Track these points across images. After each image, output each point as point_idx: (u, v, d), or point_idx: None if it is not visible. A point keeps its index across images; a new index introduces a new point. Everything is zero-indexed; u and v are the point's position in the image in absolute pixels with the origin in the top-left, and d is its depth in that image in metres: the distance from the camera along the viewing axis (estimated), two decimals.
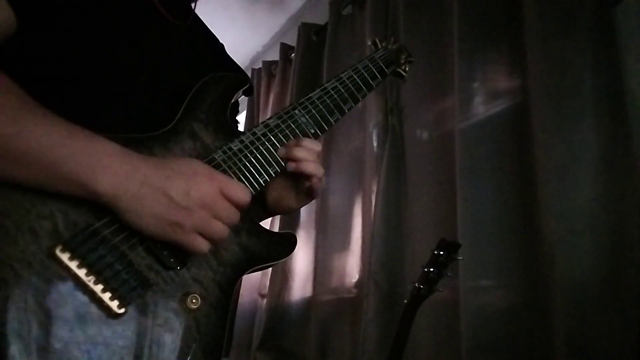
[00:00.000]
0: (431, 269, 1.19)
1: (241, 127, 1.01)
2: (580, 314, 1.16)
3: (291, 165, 0.77)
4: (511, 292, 1.37)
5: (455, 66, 1.58)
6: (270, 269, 2.33)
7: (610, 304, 1.14)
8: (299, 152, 0.77)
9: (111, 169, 0.58)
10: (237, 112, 0.95)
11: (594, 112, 1.25)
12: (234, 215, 0.65)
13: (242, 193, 0.66)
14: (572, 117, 1.27)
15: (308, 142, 0.79)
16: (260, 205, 0.87)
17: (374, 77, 0.93)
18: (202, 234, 0.62)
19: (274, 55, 2.88)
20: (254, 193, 0.73)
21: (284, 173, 0.78)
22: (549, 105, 1.31)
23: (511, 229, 1.40)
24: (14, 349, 0.52)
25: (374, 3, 2.08)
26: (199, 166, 0.65)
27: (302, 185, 0.82)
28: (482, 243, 1.41)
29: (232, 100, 0.80)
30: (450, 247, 1.20)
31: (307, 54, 2.52)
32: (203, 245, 0.62)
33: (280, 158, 0.77)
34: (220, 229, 0.63)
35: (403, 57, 1.02)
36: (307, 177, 0.79)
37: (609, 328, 1.13)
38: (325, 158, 2.17)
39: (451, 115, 1.64)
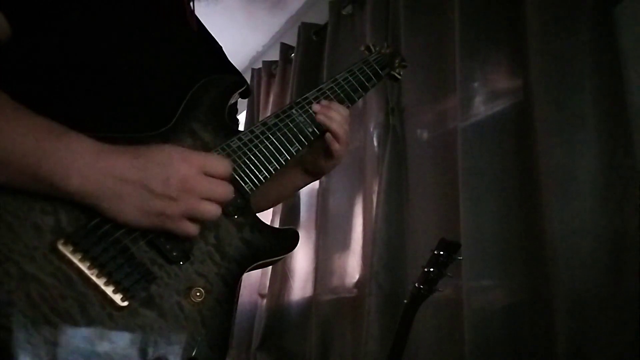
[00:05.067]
0: (431, 269, 1.19)
1: (241, 127, 1.01)
2: (581, 314, 1.16)
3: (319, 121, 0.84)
4: (513, 292, 1.37)
5: (457, 66, 1.58)
6: (270, 268, 2.33)
7: (611, 304, 1.14)
8: (332, 113, 0.85)
9: (84, 169, 0.57)
10: (236, 113, 0.96)
11: (594, 112, 1.25)
12: (222, 189, 0.63)
13: (223, 166, 0.65)
14: (573, 116, 1.28)
15: (339, 106, 0.87)
16: (301, 170, 0.94)
17: (369, 79, 0.95)
18: (192, 219, 0.61)
19: (274, 55, 2.89)
20: (254, 189, 0.74)
21: (317, 138, 0.85)
22: (550, 105, 1.32)
23: (513, 229, 1.40)
24: (19, 342, 0.52)
25: (374, 3, 2.08)
26: (173, 150, 0.63)
27: (329, 149, 0.88)
28: (484, 243, 1.41)
29: (230, 102, 0.81)
30: (450, 247, 1.20)
31: (307, 53, 2.52)
32: (191, 228, 0.62)
33: (316, 113, 0.84)
34: (210, 209, 0.62)
35: (397, 60, 1.04)
36: (335, 138, 0.86)
37: (609, 328, 1.13)
38: None
39: (452, 115, 1.65)
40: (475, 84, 1.58)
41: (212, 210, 0.62)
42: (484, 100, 1.56)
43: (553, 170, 1.28)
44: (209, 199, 0.62)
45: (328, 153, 0.89)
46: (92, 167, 0.58)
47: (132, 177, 0.59)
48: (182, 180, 0.60)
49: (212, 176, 0.63)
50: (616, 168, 1.20)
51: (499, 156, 1.47)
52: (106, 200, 0.58)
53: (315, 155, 0.91)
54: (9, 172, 0.55)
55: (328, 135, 0.86)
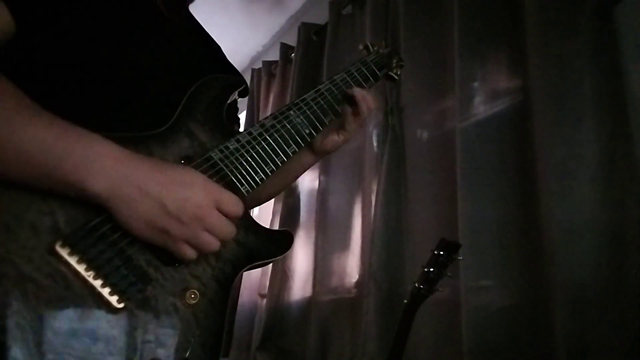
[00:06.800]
0: (431, 269, 1.19)
1: (241, 127, 1.02)
2: (581, 314, 1.16)
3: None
4: (512, 292, 1.37)
5: (456, 66, 1.58)
6: (270, 269, 2.33)
7: (610, 304, 1.14)
8: (369, 97, 0.93)
9: (106, 171, 0.58)
10: (236, 111, 0.97)
11: (594, 112, 1.25)
12: (227, 229, 0.64)
13: (236, 206, 0.66)
14: (573, 116, 1.27)
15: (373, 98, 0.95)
16: (309, 150, 0.96)
17: (366, 80, 0.96)
18: (190, 244, 0.62)
19: (274, 55, 2.89)
20: (250, 191, 0.74)
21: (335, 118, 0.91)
22: (549, 105, 1.31)
23: (512, 229, 1.40)
24: (14, 343, 0.52)
25: (374, 2, 2.08)
26: (196, 176, 0.64)
27: (344, 123, 0.94)
28: (483, 243, 1.41)
29: (228, 101, 0.81)
30: (450, 247, 1.20)
31: (307, 53, 2.52)
32: (190, 253, 0.62)
33: (350, 96, 0.92)
34: (209, 242, 0.63)
35: (394, 61, 1.05)
36: (358, 116, 0.93)
37: (609, 328, 1.13)
38: (325, 158, 2.17)
39: (451, 115, 1.64)
40: (475, 84, 1.58)
41: (214, 244, 0.63)
42: (483, 100, 1.56)
43: (552, 170, 1.27)
44: (212, 232, 0.63)
45: (342, 129, 0.95)
46: (112, 169, 0.58)
47: (151, 190, 0.59)
48: (196, 207, 0.61)
49: (223, 212, 0.64)
50: (616, 168, 1.20)
51: (498, 156, 1.47)
52: (118, 203, 0.58)
53: (326, 133, 0.94)
54: (26, 169, 0.56)
55: (349, 111, 0.93)
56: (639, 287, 1.10)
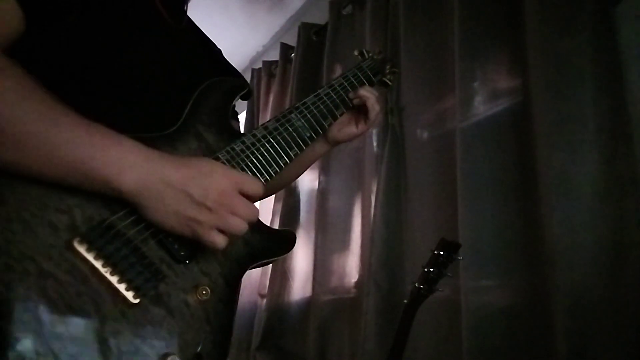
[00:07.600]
0: (431, 269, 1.19)
1: (241, 126, 1.02)
2: (581, 314, 1.16)
3: (356, 100, 0.98)
4: (512, 292, 1.37)
5: (456, 66, 1.58)
6: (270, 269, 2.33)
7: (610, 304, 1.14)
8: (363, 92, 0.98)
9: (135, 168, 0.60)
10: (235, 114, 0.99)
11: (594, 112, 1.25)
12: (251, 210, 0.67)
13: (256, 187, 0.68)
14: (573, 116, 1.27)
15: (370, 89, 1.01)
16: (322, 140, 1.01)
17: (362, 85, 1.00)
18: (220, 230, 0.64)
19: (274, 55, 2.89)
20: (265, 184, 0.76)
21: (348, 109, 0.98)
22: (549, 105, 1.32)
23: (512, 229, 1.40)
24: (34, 337, 0.53)
25: (374, 2, 2.08)
26: (215, 165, 0.67)
27: (362, 117, 1.01)
28: (483, 243, 1.41)
29: (232, 104, 0.83)
30: (450, 247, 1.20)
31: (307, 54, 2.52)
32: (221, 240, 0.64)
33: (350, 98, 0.97)
34: (238, 224, 0.65)
35: (388, 67, 1.10)
36: (367, 109, 0.99)
37: (609, 328, 1.13)
38: (324, 158, 2.17)
39: (451, 115, 1.65)
40: (475, 84, 1.58)
41: (241, 225, 0.65)
42: (483, 100, 1.56)
43: (552, 170, 1.28)
44: (238, 215, 0.65)
45: (364, 121, 1.01)
46: (141, 166, 0.61)
47: (176, 183, 0.62)
48: (220, 193, 0.64)
49: (244, 195, 0.66)
50: (616, 168, 1.20)
51: (498, 156, 1.47)
52: (147, 199, 0.61)
53: (343, 124, 1.01)
54: (53, 164, 0.58)
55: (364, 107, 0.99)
56: (638, 287, 1.10)
